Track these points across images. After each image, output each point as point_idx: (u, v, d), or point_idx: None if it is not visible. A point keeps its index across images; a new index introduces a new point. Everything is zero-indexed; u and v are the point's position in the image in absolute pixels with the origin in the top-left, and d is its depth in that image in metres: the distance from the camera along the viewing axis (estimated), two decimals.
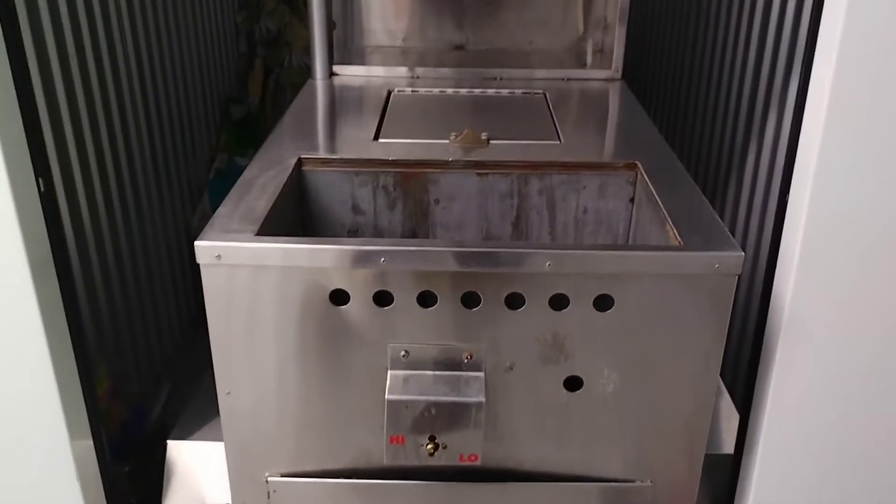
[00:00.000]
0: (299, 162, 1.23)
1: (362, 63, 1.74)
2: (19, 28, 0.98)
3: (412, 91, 1.60)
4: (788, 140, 1.01)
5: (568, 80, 1.69)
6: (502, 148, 1.29)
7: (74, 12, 1.37)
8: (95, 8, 1.46)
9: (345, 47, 1.83)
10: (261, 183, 1.13)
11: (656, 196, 1.12)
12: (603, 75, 1.70)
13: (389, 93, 1.58)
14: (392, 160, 1.24)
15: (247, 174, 1.17)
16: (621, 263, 0.96)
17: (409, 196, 1.25)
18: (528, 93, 1.60)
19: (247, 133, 2.92)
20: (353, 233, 1.28)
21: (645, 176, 1.19)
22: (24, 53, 1.00)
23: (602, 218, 1.26)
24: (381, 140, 1.33)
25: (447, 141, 1.30)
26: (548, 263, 0.95)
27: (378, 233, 1.28)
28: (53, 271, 1.04)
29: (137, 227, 1.71)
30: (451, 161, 1.24)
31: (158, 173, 1.91)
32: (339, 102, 1.56)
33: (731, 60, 1.70)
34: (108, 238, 1.50)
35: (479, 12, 1.87)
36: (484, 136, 1.30)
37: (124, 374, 1.54)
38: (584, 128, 1.45)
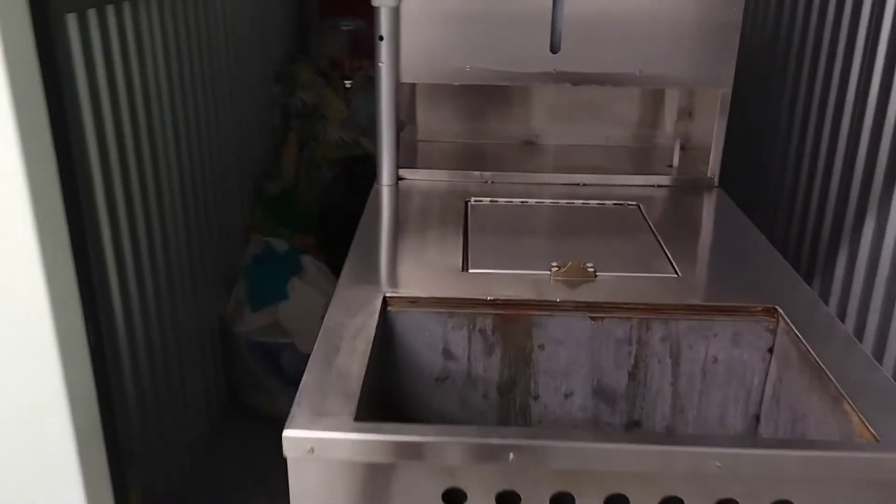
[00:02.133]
0: (384, 302, 1.06)
1: (428, 166, 1.58)
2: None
3: (490, 201, 1.44)
4: None
5: (658, 186, 1.53)
6: (612, 283, 1.12)
7: (116, 100, 1.26)
8: (137, 93, 1.34)
9: (406, 145, 1.68)
10: (348, 336, 0.96)
11: (816, 357, 0.95)
12: (696, 181, 1.54)
13: (466, 203, 1.42)
14: (491, 300, 1.07)
15: (328, 321, 1.00)
16: (806, 465, 0.78)
17: (510, 341, 1.08)
18: (621, 204, 1.44)
19: (281, 210, 2.78)
20: (444, 380, 1.10)
21: (790, 324, 1.02)
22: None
23: (734, 369, 1.08)
24: (471, 270, 1.16)
25: (548, 272, 1.13)
26: (717, 464, 0.77)
27: (472, 381, 1.10)
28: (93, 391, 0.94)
29: (170, 318, 1.58)
30: (560, 302, 1.07)
31: (193, 259, 1.79)
32: (412, 216, 1.40)
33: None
34: (140, 331, 1.38)
35: (548, 104, 1.72)
36: (590, 267, 1.14)
37: (153, 483, 1.41)
38: (697, 253, 1.28)
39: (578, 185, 1.53)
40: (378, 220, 1.37)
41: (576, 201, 1.44)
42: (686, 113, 1.71)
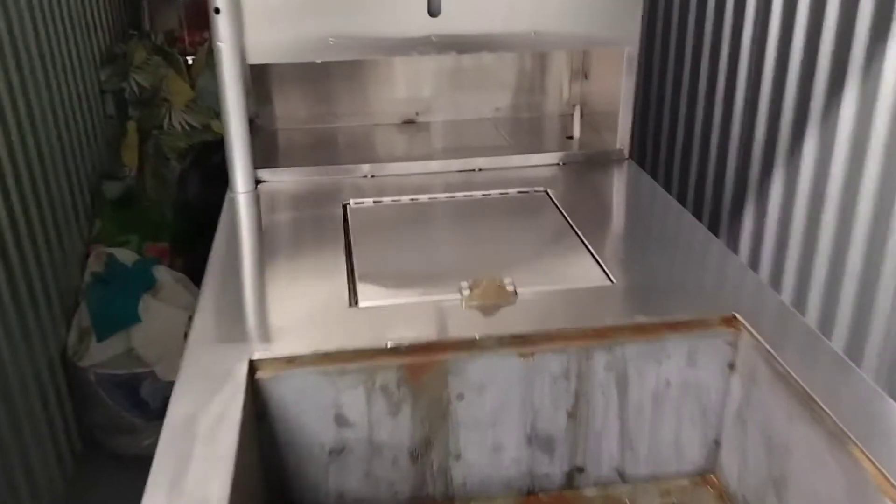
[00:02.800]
0: (251, 368, 0.80)
1: (292, 163, 1.30)
2: None
3: (374, 202, 1.19)
4: None
5: (563, 164, 1.32)
6: (538, 303, 0.91)
7: None
8: None
9: (263, 139, 1.39)
10: (203, 433, 0.70)
11: (797, 379, 0.77)
12: (604, 155, 1.34)
13: (345, 207, 1.16)
14: (392, 347, 0.83)
15: (174, 411, 0.73)
16: None
17: (421, 394, 0.84)
18: (526, 191, 1.22)
19: (126, 214, 2.40)
20: (339, 453, 0.86)
21: (755, 336, 0.84)
22: None
23: (690, 391, 0.90)
24: (361, 305, 0.91)
25: (458, 296, 0.90)
26: None
27: (376, 449, 0.86)
28: None
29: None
30: (480, 339, 0.84)
31: (16, 286, 1.47)
32: (278, 232, 1.12)
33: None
34: None
35: (427, 72, 1.48)
36: (508, 284, 0.91)
37: None
38: (627, 248, 1.08)
39: (474, 170, 1.30)
40: (235, 243, 1.09)
41: (475, 193, 1.21)
42: (581, 75, 1.50)
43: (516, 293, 0.91)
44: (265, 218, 1.16)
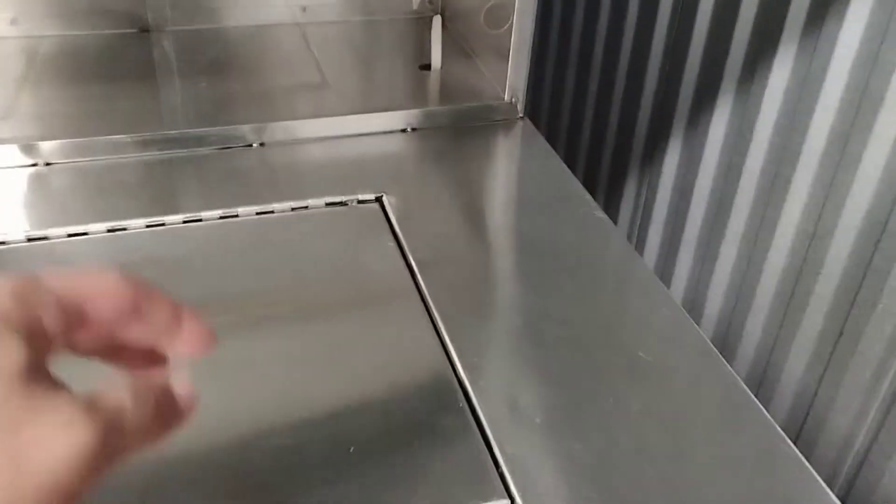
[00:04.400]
0: None
1: None
2: None
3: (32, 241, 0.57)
4: None
5: (413, 131, 0.75)
6: None
7: None
8: None
9: None
10: None
11: None
12: (486, 111, 0.77)
13: None
14: None
15: None
16: None
17: None
18: (341, 203, 0.64)
19: None
20: None
21: None
22: None
23: None
24: None
25: None
26: None
27: None
28: None
29: None
30: None
31: None
32: None
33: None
34: None
35: None
36: None
37: None
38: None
39: (250, 146, 0.70)
40: None
41: (236, 211, 0.62)
42: None
43: None
44: None
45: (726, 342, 0.92)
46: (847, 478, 0.79)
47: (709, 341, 0.52)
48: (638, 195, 1.05)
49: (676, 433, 0.45)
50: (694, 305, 0.97)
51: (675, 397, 0.47)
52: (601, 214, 0.64)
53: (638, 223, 1.06)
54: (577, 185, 0.67)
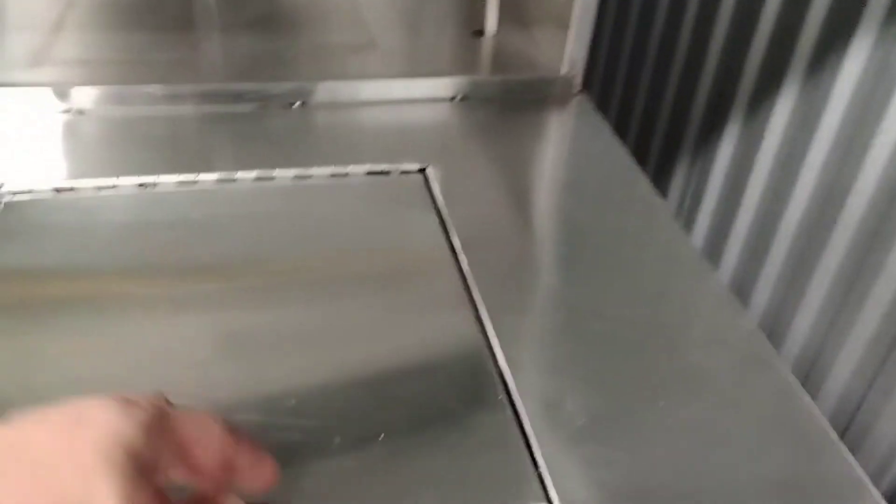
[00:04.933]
0: None
1: None
2: None
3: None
4: None
5: (462, 100, 0.71)
6: None
7: None
8: None
9: None
10: None
11: None
12: (540, 84, 0.73)
13: None
14: None
15: None
16: None
17: None
18: (383, 172, 0.61)
19: None
20: None
21: None
22: None
23: None
24: None
25: None
26: None
27: None
28: None
29: None
30: None
31: None
32: None
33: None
34: None
35: None
36: None
37: None
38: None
39: (293, 105, 0.67)
40: None
41: (286, 174, 0.59)
42: None
43: None
44: None
45: (770, 341, 0.89)
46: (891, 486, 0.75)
47: (771, 346, 0.49)
48: (687, 181, 1.01)
49: (724, 445, 0.42)
50: (739, 299, 0.93)
51: (725, 406, 0.44)
52: (660, 204, 0.60)
53: (686, 210, 1.02)
54: (636, 171, 0.64)
